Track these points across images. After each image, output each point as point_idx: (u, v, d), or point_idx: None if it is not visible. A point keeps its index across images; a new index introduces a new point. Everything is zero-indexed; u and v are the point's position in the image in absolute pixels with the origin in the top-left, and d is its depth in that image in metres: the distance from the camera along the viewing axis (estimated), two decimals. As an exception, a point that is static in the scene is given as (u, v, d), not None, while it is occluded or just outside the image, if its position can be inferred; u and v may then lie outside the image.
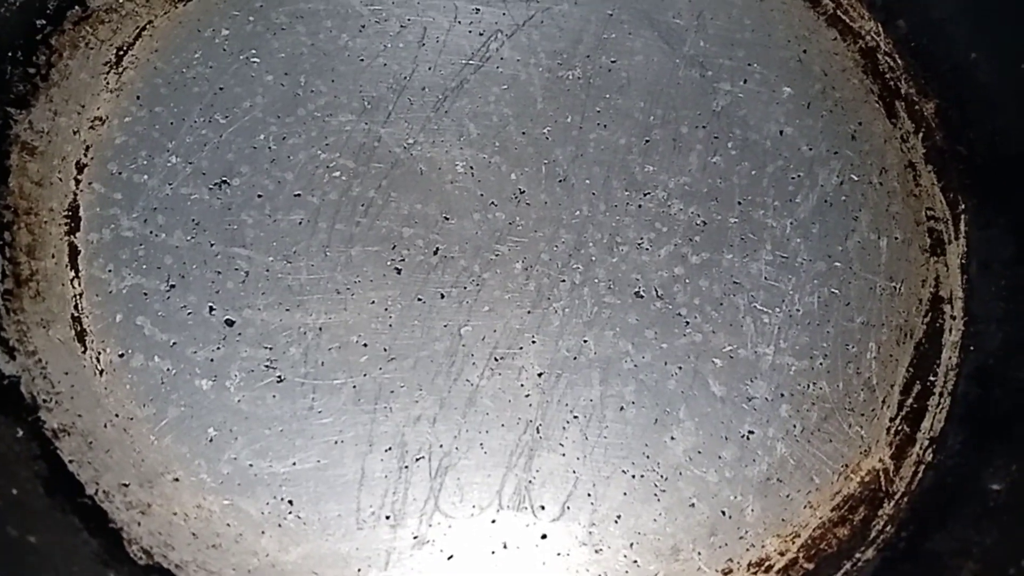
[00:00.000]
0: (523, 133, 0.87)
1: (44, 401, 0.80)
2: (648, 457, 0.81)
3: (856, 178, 0.88)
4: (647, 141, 0.87)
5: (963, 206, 0.88)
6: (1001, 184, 0.87)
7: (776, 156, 0.88)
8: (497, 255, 0.84)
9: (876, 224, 0.87)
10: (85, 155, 0.85)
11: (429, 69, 0.88)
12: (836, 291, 0.85)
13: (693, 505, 0.80)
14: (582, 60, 0.89)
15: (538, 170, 0.86)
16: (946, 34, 0.89)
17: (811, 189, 0.87)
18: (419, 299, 0.83)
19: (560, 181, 0.86)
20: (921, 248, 0.87)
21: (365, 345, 0.82)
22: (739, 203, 0.86)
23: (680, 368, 0.82)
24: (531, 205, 0.85)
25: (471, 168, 0.86)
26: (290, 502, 0.79)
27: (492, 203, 0.85)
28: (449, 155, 0.86)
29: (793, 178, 0.87)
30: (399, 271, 0.84)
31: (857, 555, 0.81)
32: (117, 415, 0.80)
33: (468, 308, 0.83)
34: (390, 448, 0.80)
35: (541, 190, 0.86)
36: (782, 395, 0.83)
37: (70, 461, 0.79)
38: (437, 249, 0.84)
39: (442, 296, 0.83)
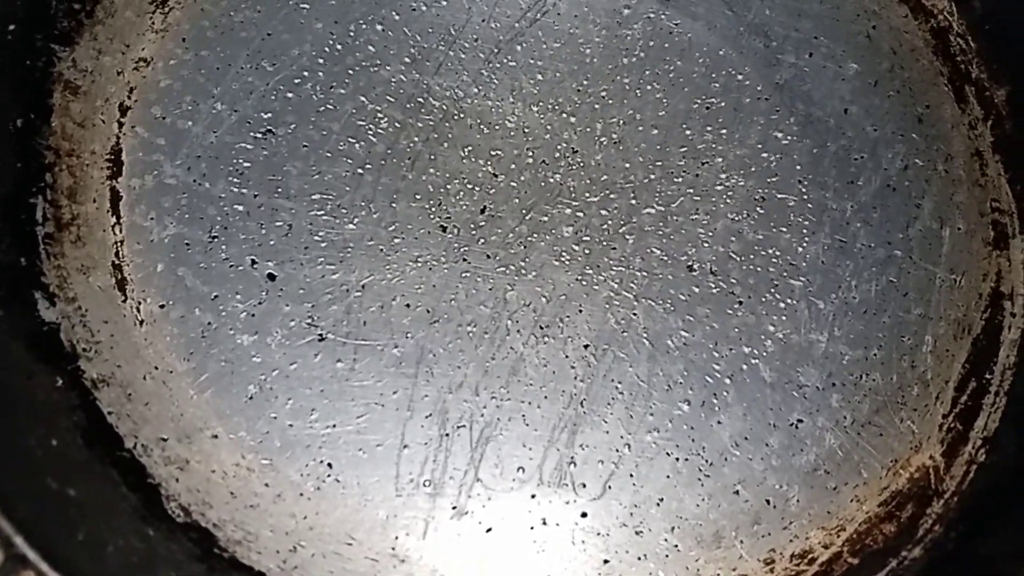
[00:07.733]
0: (578, 91, 0.85)
1: (84, 350, 0.79)
2: (694, 440, 0.80)
3: (921, 163, 0.85)
4: (707, 109, 0.85)
5: (1030, 199, 0.87)
6: (1072, 179, 0.85)
7: (839, 135, 0.85)
8: (547, 217, 0.83)
9: (939, 213, 0.85)
10: (129, 97, 0.82)
11: (483, 21, 0.85)
12: (894, 280, 0.83)
13: (737, 492, 0.80)
14: (642, 20, 0.86)
15: (592, 131, 0.84)
16: (1023, 18, 0.86)
17: (874, 172, 0.85)
18: (464, 259, 0.82)
19: (615, 144, 0.84)
20: (984, 240, 0.85)
21: (408, 306, 0.81)
22: (799, 181, 0.84)
23: (731, 350, 0.81)
24: (584, 166, 0.83)
25: (523, 125, 0.84)
26: (329, 465, 0.78)
27: (543, 162, 0.83)
28: (500, 110, 0.84)
29: (856, 159, 0.85)
30: (444, 228, 0.82)
31: (904, 553, 0.80)
32: (156, 367, 0.79)
33: (514, 272, 0.82)
34: (431, 415, 0.79)
35: (595, 152, 0.84)
36: (833, 384, 0.81)
37: (109, 413, 0.78)
38: (484, 208, 0.82)
39: (488, 257, 0.82)
